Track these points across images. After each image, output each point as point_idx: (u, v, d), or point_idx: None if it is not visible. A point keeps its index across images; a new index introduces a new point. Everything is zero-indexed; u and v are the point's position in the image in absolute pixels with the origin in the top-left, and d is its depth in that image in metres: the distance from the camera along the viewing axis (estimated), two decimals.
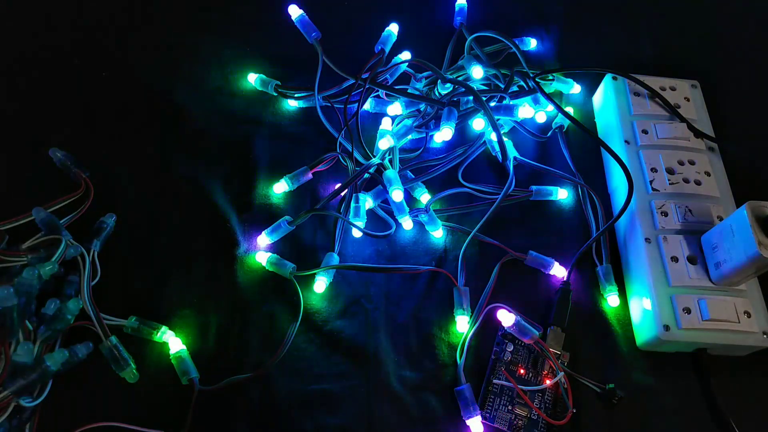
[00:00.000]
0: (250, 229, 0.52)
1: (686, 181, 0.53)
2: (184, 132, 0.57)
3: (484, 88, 0.60)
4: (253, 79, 0.60)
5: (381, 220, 0.54)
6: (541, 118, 0.59)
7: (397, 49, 0.60)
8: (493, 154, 0.58)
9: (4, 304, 0.40)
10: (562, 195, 0.56)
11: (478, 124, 0.58)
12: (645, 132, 0.56)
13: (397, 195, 0.51)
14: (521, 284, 0.52)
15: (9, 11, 0.63)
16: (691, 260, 0.49)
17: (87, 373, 0.44)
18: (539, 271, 0.52)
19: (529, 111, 0.58)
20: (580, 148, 0.59)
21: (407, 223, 0.53)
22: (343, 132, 0.56)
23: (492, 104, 0.59)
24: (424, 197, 0.54)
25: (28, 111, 0.57)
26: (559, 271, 0.52)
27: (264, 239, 0.51)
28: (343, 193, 0.53)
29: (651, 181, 0.53)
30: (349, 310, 0.50)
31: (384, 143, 0.54)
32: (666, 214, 0.51)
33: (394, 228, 0.53)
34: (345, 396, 0.46)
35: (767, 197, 0.45)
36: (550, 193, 0.56)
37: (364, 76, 0.56)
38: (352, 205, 0.52)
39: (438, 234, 0.53)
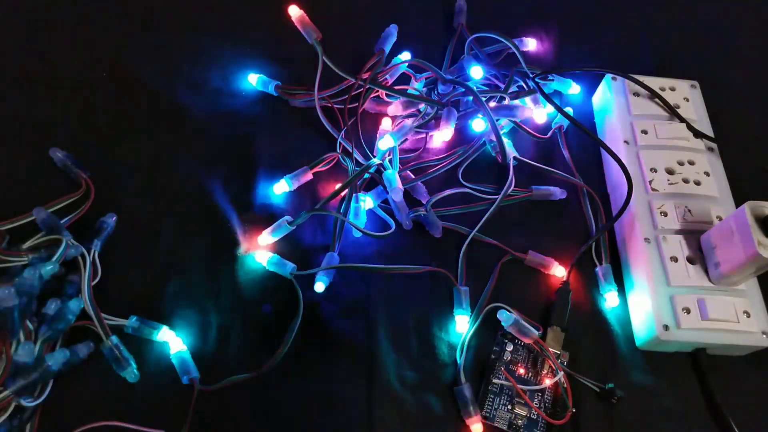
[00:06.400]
0: (250, 229, 0.52)
1: (686, 181, 0.53)
2: (184, 132, 0.57)
3: (484, 88, 0.60)
4: (253, 79, 0.60)
5: (381, 220, 0.54)
6: (541, 118, 0.60)
7: (397, 49, 0.60)
8: (493, 154, 0.58)
9: (5, 304, 0.40)
10: (562, 195, 0.56)
11: (478, 124, 0.58)
12: (644, 132, 0.56)
13: (397, 195, 0.51)
14: (521, 284, 0.52)
15: (8, 11, 0.63)
16: (690, 260, 0.49)
17: (88, 373, 0.44)
18: (539, 271, 0.53)
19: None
20: (579, 148, 0.59)
21: (407, 223, 0.53)
22: (343, 132, 0.56)
23: (492, 104, 0.59)
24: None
25: (28, 111, 0.57)
26: (559, 271, 0.52)
27: (264, 239, 0.51)
28: (343, 193, 0.53)
29: (650, 181, 0.53)
30: (349, 310, 0.50)
31: (384, 143, 0.54)
32: (665, 214, 0.51)
33: (394, 228, 0.53)
34: (345, 396, 0.46)
35: (767, 197, 0.45)
36: (550, 193, 0.56)
37: (365, 76, 0.56)
38: (352, 205, 0.52)
39: (438, 234, 0.53)
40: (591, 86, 0.63)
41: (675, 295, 0.48)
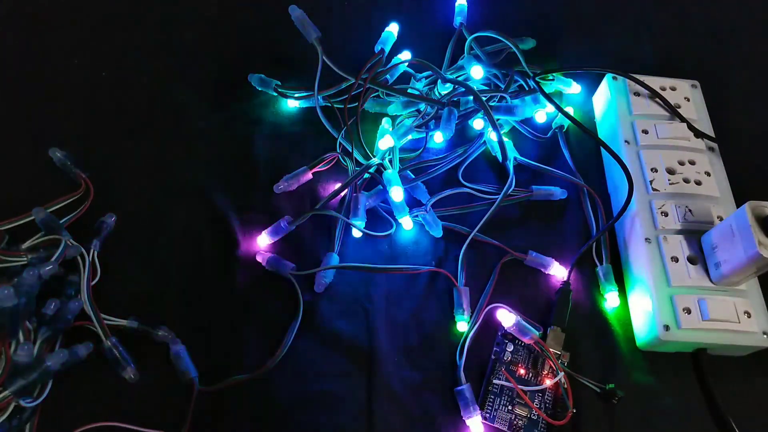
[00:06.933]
0: (250, 230, 0.52)
1: (686, 181, 0.53)
2: (184, 132, 0.57)
3: (484, 88, 0.60)
4: (253, 79, 0.60)
5: (381, 220, 0.54)
6: (541, 118, 0.59)
7: (397, 49, 0.60)
8: (493, 154, 0.58)
9: (4, 304, 0.40)
10: (562, 195, 0.56)
11: (478, 124, 0.58)
12: (645, 132, 0.56)
13: (397, 195, 0.51)
14: (521, 284, 0.52)
15: (8, 11, 0.63)
16: (691, 260, 0.49)
17: (87, 373, 0.44)
18: (539, 271, 0.52)
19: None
20: (580, 148, 0.59)
21: (407, 223, 0.53)
22: (343, 132, 0.56)
23: (492, 104, 0.59)
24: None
25: (28, 111, 0.57)
26: (559, 271, 0.52)
27: (264, 239, 0.51)
28: (343, 193, 0.53)
29: (651, 181, 0.53)
30: (349, 310, 0.50)
31: (384, 143, 0.54)
32: (666, 214, 0.51)
33: (394, 228, 0.53)
34: (345, 396, 0.46)
35: (767, 197, 0.45)
36: (550, 193, 0.56)
37: (364, 76, 0.56)
38: (352, 205, 0.52)
39: (438, 234, 0.53)
40: (592, 86, 0.63)
41: (675, 295, 0.48)
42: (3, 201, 0.51)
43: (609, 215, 0.55)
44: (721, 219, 0.51)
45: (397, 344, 0.48)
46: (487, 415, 0.45)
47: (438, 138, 0.56)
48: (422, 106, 0.58)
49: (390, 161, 0.54)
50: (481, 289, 0.51)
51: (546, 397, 0.47)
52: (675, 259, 0.49)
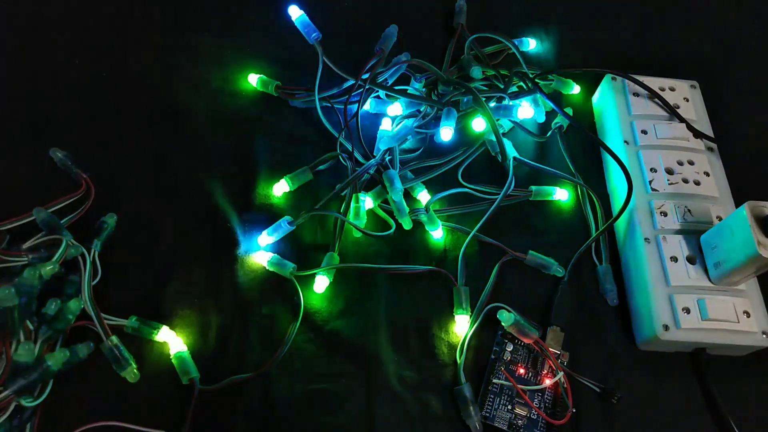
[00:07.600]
0: (250, 229, 0.52)
1: (685, 181, 0.53)
2: (184, 132, 0.57)
3: (484, 88, 0.60)
4: (253, 79, 0.60)
5: (381, 220, 0.54)
6: (541, 118, 0.60)
7: (397, 49, 0.60)
8: (493, 154, 0.58)
9: (5, 304, 0.40)
10: (562, 195, 0.56)
11: (477, 124, 0.58)
12: (644, 132, 0.56)
13: (397, 193, 0.51)
14: (521, 284, 0.52)
15: (8, 11, 0.63)
16: (690, 260, 0.49)
17: (88, 373, 0.44)
18: (539, 271, 0.53)
19: (529, 111, 0.58)
20: (579, 148, 0.59)
21: (407, 222, 0.53)
22: (343, 132, 0.56)
23: (491, 104, 0.59)
24: (423, 195, 0.54)
25: (28, 111, 0.57)
26: (558, 271, 0.52)
27: (264, 239, 0.51)
28: (343, 193, 0.53)
29: (650, 182, 0.53)
30: (349, 310, 0.50)
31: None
32: (665, 214, 0.51)
33: (394, 228, 0.53)
34: (345, 396, 0.46)
35: (767, 197, 0.45)
36: (550, 193, 0.56)
37: (364, 76, 0.56)
38: (352, 205, 0.52)
39: (438, 234, 0.53)
40: (591, 86, 0.63)
41: (675, 294, 0.48)
42: (4, 201, 0.51)
43: (608, 215, 0.55)
44: (720, 219, 0.51)
45: (397, 344, 0.48)
46: (487, 414, 0.45)
47: (445, 134, 0.56)
48: (422, 107, 0.58)
49: (390, 161, 0.55)
50: (481, 289, 0.51)
51: (546, 396, 0.47)
52: (674, 259, 0.49)
